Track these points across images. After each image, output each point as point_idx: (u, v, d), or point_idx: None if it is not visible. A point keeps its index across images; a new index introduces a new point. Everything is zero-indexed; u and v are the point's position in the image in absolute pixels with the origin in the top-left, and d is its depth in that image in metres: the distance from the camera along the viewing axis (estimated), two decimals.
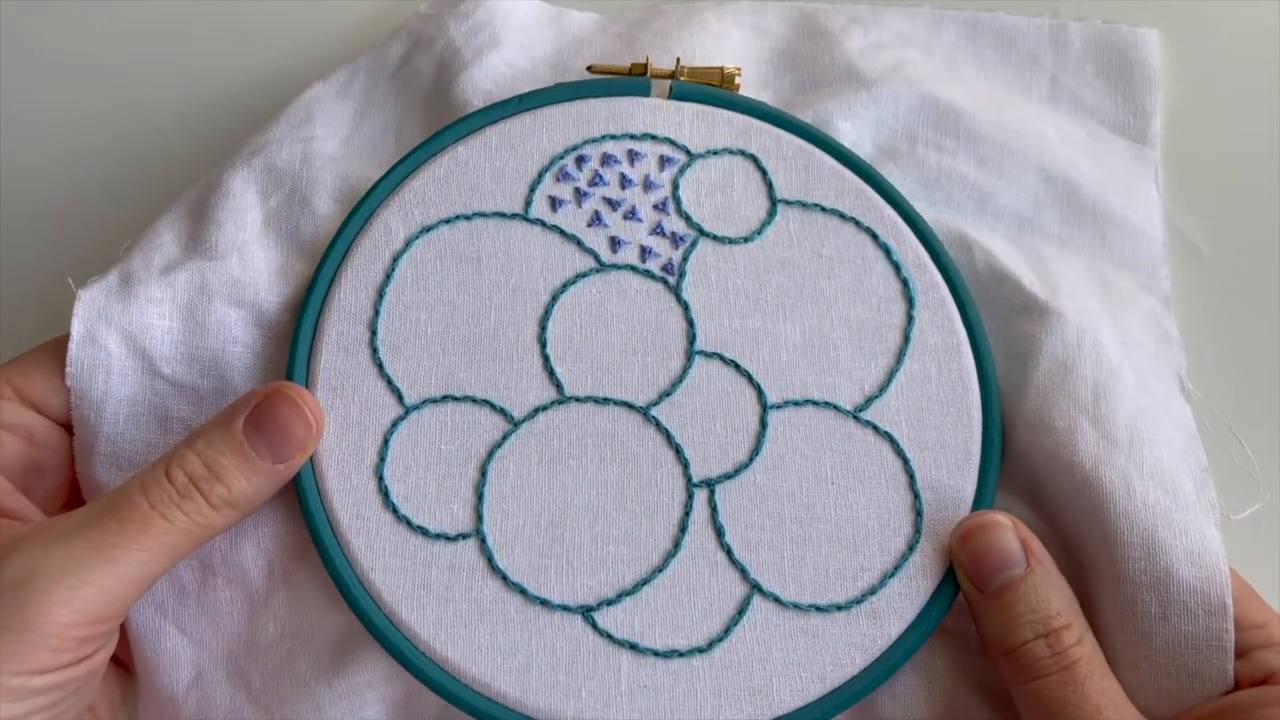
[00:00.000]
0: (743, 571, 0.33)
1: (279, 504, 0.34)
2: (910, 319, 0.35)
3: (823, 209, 0.36)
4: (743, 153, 0.37)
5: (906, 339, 0.35)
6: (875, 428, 0.34)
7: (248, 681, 0.34)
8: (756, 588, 0.33)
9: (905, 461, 0.34)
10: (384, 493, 0.34)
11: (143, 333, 0.34)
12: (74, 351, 0.34)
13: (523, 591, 0.33)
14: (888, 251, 0.36)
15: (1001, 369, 0.36)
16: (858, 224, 0.36)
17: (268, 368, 0.35)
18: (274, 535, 0.35)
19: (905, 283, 0.35)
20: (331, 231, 0.37)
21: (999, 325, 0.36)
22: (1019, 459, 0.35)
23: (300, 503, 0.34)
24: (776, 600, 0.33)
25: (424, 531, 0.33)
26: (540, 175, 0.36)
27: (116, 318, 0.34)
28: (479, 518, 0.33)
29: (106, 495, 0.31)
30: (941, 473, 0.34)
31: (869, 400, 0.34)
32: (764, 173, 0.37)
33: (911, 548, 0.33)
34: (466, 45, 0.40)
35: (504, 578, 0.33)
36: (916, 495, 0.34)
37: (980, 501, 0.34)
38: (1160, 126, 0.41)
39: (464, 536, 0.33)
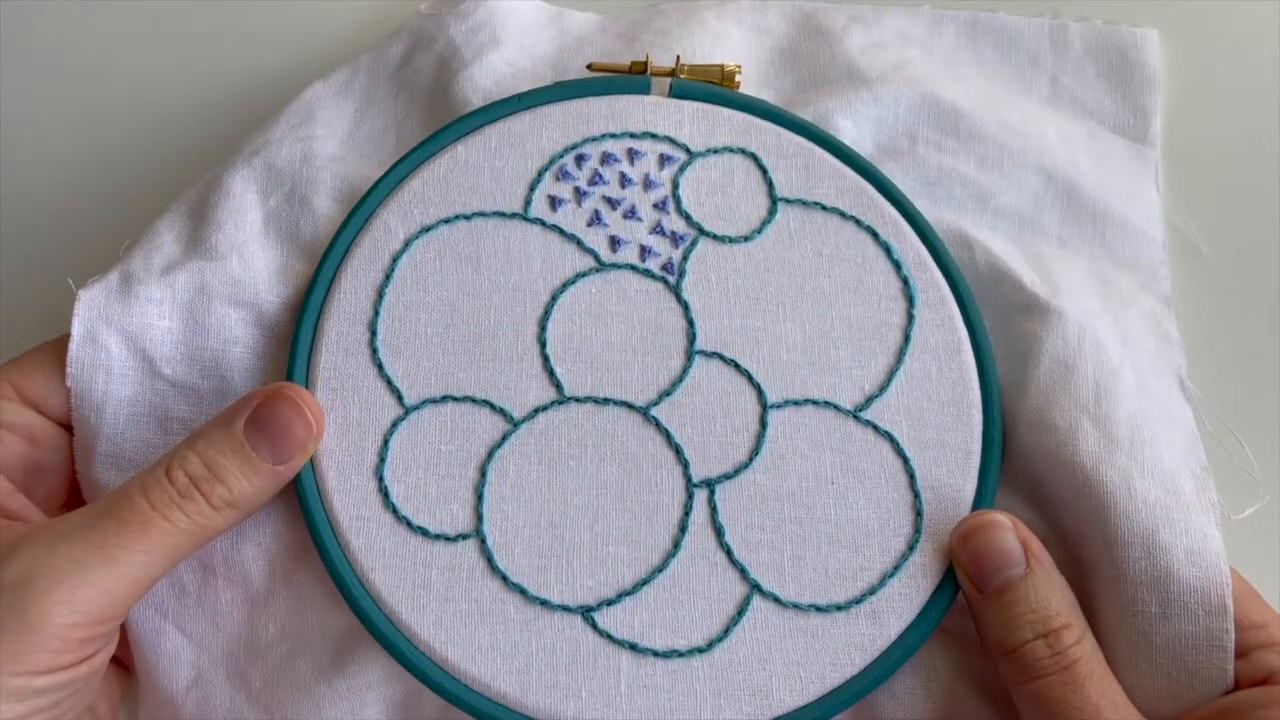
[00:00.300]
0: (742, 571, 0.33)
1: (279, 504, 0.34)
2: (911, 318, 0.35)
3: (823, 207, 0.36)
4: (743, 151, 0.37)
5: (907, 338, 0.35)
6: (875, 427, 0.34)
7: (248, 682, 0.34)
8: (756, 588, 0.33)
9: (905, 461, 0.34)
10: (384, 493, 0.34)
11: (143, 333, 0.34)
12: (74, 351, 0.34)
13: (523, 592, 0.33)
14: (888, 250, 0.36)
15: (1002, 368, 0.36)
16: (858, 222, 0.36)
17: (268, 368, 0.35)
18: (274, 535, 0.35)
19: (906, 281, 0.35)
20: (331, 231, 0.37)
21: (1000, 324, 0.36)
22: (1019, 458, 0.35)
23: (300, 503, 0.34)
24: (776, 600, 0.33)
25: (424, 532, 0.33)
26: (540, 174, 0.36)
27: (117, 318, 0.34)
28: (479, 518, 0.33)
29: (107, 496, 0.31)
30: (942, 472, 0.34)
31: (869, 399, 0.34)
32: (764, 171, 0.36)
33: (911, 547, 0.33)
34: (467, 44, 0.40)
35: (504, 578, 0.33)
36: (916, 495, 0.34)
37: (980, 501, 0.34)
38: (1160, 126, 0.41)
39: (464, 537, 0.33)
